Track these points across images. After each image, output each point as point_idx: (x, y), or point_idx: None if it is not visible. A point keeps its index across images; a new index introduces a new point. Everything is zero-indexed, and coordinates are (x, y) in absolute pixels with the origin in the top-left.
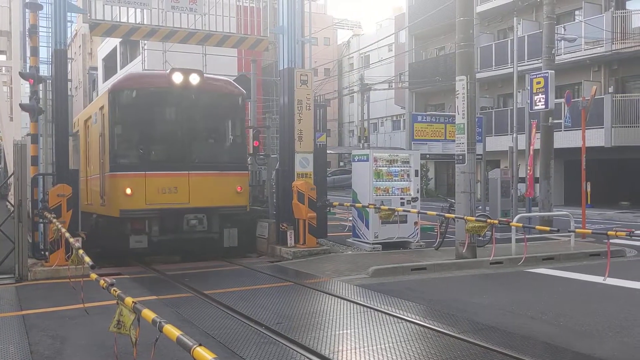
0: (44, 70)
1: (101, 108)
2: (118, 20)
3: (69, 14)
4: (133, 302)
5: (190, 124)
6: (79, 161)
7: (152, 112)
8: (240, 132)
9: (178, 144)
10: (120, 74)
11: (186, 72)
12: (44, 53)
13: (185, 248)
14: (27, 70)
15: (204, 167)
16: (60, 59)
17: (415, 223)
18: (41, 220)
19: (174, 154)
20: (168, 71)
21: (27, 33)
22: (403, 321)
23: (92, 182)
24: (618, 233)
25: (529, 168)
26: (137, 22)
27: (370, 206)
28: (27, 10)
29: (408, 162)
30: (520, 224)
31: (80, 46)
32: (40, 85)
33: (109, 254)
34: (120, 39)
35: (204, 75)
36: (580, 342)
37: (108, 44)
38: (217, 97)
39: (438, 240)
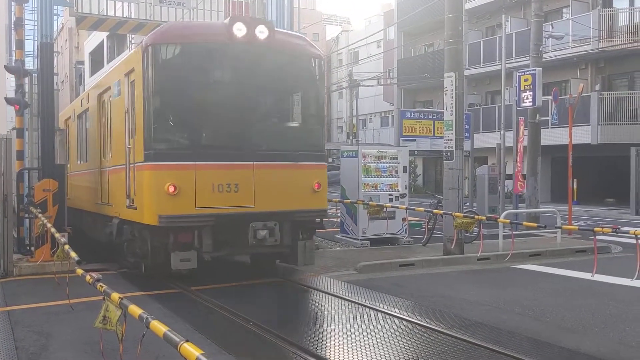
0: (30, 63)
1: (129, 74)
2: (105, 13)
3: (55, 7)
4: (119, 297)
5: (256, 96)
6: (65, 156)
7: (205, 78)
8: (316, 109)
9: (240, 123)
10: (108, 68)
11: (251, 22)
12: (30, 46)
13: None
14: (13, 64)
15: (273, 157)
16: (46, 52)
17: (404, 219)
18: (27, 215)
19: (235, 138)
20: (227, 21)
21: (12, 26)
22: (391, 317)
23: (112, 175)
24: (604, 230)
25: (518, 165)
26: (125, 16)
27: (358, 202)
28: (12, 2)
29: (396, 159)
30: (508, 220)
31: (66, 40)
32: (26, 79)
33: (99, 249)
34: (107, 33)
35: (275, 28)
36: (566, 337)
37: (95, 38)
38: (292, 60)
39: (426, 236)
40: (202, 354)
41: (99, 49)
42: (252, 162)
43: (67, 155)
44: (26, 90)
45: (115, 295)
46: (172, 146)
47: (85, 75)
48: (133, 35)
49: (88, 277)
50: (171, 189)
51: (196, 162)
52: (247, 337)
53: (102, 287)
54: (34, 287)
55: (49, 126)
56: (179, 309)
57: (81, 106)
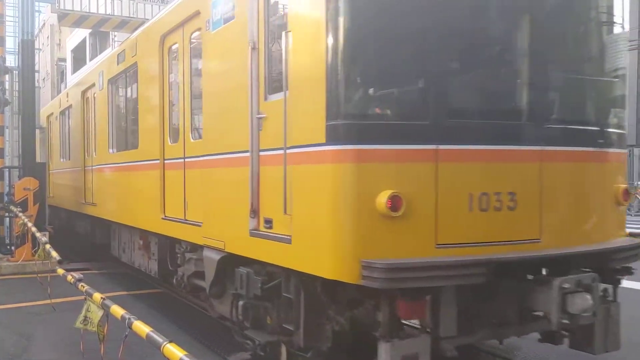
0: (11, 61)
1: None
2: (88, 10)
3: (37, 3)
4: (101, 297)
5: (541, 23)
6: (83, 143)
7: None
8: (616, 59)
9: (514, 71)
10: (90, 66)
11: None
12: (11, 43)
13: None
14: None
15: (572, 137)
16: (27, 49)
17: None
18: (7, 214)
19: (504, 99)
20: None
21: None
22: None
23: (201, 172)
24: None
25: None
26: (107, 13)
27: None
28: None
29: None
30: None
31: (48, 37)
32: (7, 76)
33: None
34: (90, 30)
35: None
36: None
37: (77, 35)
38: None
39: None
40: (185, 355)
41: (81, 46)
42: (539, 148)
43: (87, 142)
44: (7, 87)
45: (97, 296)
46: (386, 113)
47: (67, 72)
48: (116, 33)
49: (69, 277)
50: (389, 203)
51: (439, 147)
52: (233, 336)
53: (83, 287)
54: (15, 286)
55: (30, 124)
56: (164, 309)
57: (117, 65)
